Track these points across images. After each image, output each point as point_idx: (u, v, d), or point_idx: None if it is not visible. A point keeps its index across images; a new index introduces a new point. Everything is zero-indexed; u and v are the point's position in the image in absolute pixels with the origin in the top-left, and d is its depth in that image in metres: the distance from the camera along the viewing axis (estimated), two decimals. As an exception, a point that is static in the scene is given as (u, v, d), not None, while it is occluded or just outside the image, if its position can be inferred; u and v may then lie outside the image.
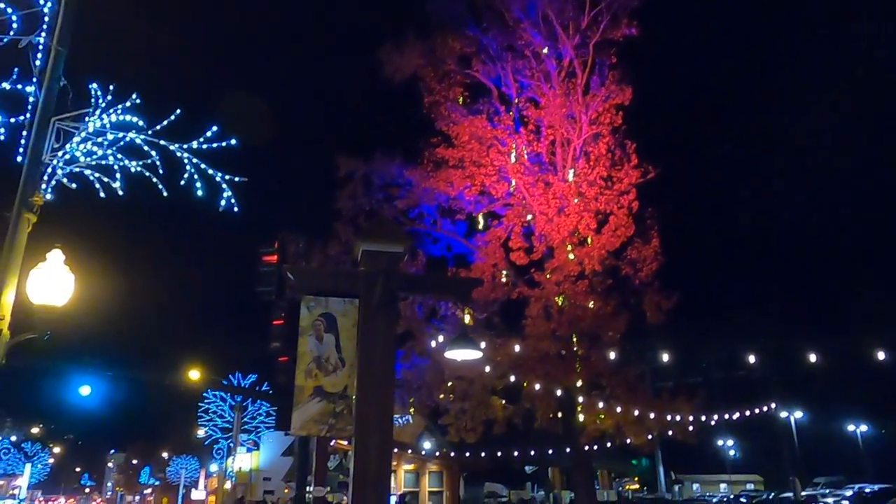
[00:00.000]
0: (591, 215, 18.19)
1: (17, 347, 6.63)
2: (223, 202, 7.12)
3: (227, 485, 49.81)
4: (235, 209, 7.15)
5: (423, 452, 31.13)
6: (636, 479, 57.54)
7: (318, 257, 19.31)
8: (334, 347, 7.44)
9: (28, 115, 6.64)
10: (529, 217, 18.98)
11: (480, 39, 19.99)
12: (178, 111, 7.01)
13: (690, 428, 19.99)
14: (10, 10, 6.78)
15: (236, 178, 7.11)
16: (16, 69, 6.76)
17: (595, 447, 20.42)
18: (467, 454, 28.75)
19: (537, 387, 18.22)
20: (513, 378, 18.44)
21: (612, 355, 18.06)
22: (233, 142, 7.01)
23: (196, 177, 7.01)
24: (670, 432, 20.33)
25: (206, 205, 7.15)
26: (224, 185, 7.10)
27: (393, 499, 27.51)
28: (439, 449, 30.77)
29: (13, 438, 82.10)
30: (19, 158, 6.58)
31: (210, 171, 7.04)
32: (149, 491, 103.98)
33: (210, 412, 53.62)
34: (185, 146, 6.99)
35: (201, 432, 54.89)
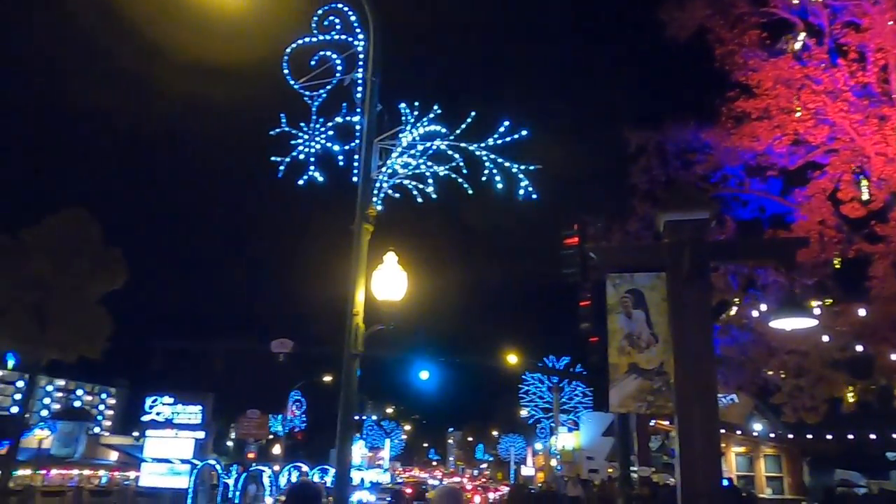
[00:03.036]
0: (947, 147, 14.79)
1: (371, 338, 7.85)
2: (521, 192, 7.49)
3: (553, 462, 52.14)
4: (534, 196, 7.47)
5: (755, 434, 28.70)
6: None
7: (618, 235, 19.06)
8: (645, 323, 7.30)
9: (357, 141, 7.85)
10: (861, 161, 16.16)
11: (775, -32, 17.64)
12: (473, 114, 7.59)
13: None
14: (334, 56, 8.08)
15: (531, 167, 7.43)
16: (344, 104, 8.05)
17: None
18: (809, 437, 25.65)
19: (893, 357, 15.46)
20: (859, 348, 15.92)
21: None
22: (524, 133, 7.36)
23: (495, 171, 7.51)
24: None
25: (508, 197, 7.61)
26: (521, 176, 7.47)
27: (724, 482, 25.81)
28: (773, 431, 28.04)
29: (374, 417, 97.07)
30: (355, 178, 7.80)
31: (507, 164, 7.48)
32: (484, 466, 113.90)
33: (530, 393, 56.68)
34: (482, 145, 7.54)
35: (524, 412, 58.33)
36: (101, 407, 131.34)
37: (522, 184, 7.49)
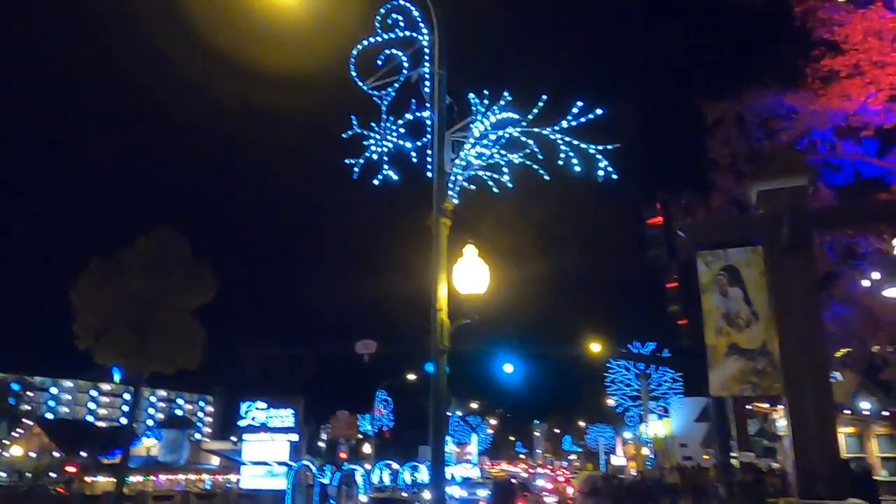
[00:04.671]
0: None
1: (455, 333, 7.80)
2: (600, 173, 7.25)
3: (644, 450, 50.87)
4: (613, 177, 7.22)
5: (864, 413, 27.03)
6: None
7: (700, 212, 18.31)
8: (743, 301, 6.93)
9: (429, 136, 7.80)
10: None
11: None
12: (544, 97, 7.39)
13: None
14: (399, 53, 8.07)
15: (609, 147, 7.18)
16: (413, 101, 8.02)
17: None
18: (926, 413, 23.94)
19: None
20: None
21: None
22: (598, 112, 7.11)
23: (571, 154, 7.29)
24: None
25: (586, 179, 7.38)
26: (598, 157, 7.23)
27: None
28: (885, 409, 26.33)
29: (459, 413, 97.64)
30: (429, 174, 7.76)
31: (583, 146, 7.25)
32: (573, 457, 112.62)
33: (616, 381, 55.52)
34: (556, 128, 7.34)
35: (611, 401, 57.20)
36: (200, 414, 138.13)
37: (601, 165, 7.25)
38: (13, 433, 71.97)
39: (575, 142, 7.29)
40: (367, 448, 57.80)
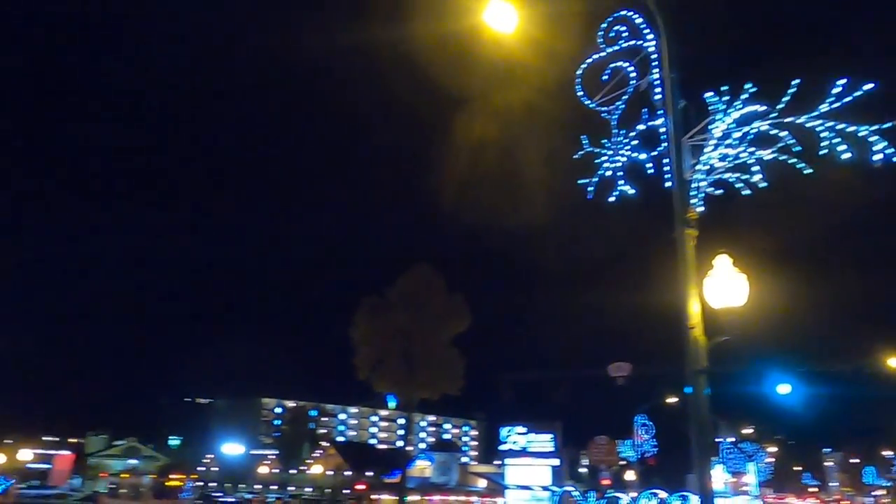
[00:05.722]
0: None
1: (715, 351, 7.19)
2: (877, 157, 6.20)
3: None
4: (895, 159, 6.13)
5: None
6: None
7: None
8: None
9: (665, 144, 7.42)
10: None
11: None
12: (796, 82, 6.59)
13: None
14: (625, 65, 7.85)
15: (886, 125, 6.12)
16: (643, 110, 7.71)
17: None
18: None
19: None
20: None
21: None
22: (869, 86, 6.12)
23: (836, 140, 6.37)
24: None
25: (857, 167, 6.38)
26: (873, 138, 6.20)
27: None
28: None
29: (730, 439, 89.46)
30: (668, 184, 7.35)
31: (851, 129, 6.28)
32: (881, 492, 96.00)
33: (930, 403, 46.41)
34: (814, 114, 6.48)
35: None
36: (466, 438, 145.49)
37: (876, 147, 6.20)
38: (314, 454, 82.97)
39: (840, 125, 6.35)
40: (629, 475, 55.65)
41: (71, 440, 71.66)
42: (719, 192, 7.27)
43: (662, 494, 36.06)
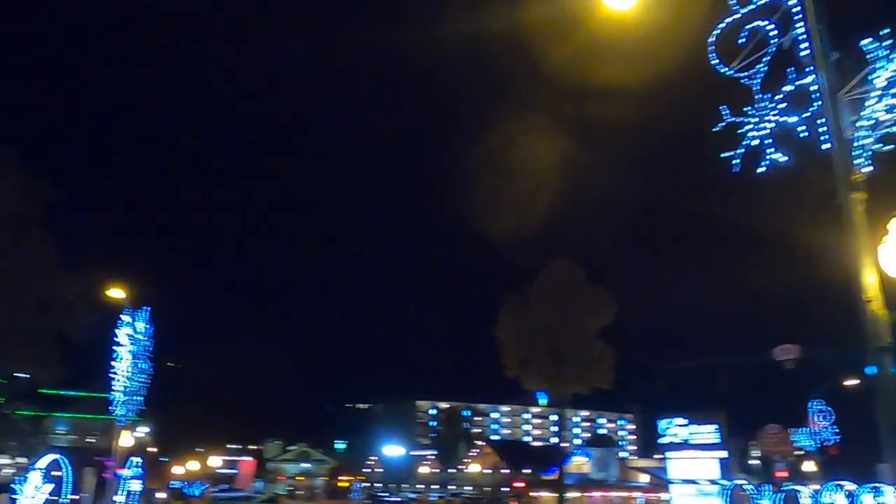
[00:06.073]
0: None
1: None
2: None
3: None
4: None
5: None
6: None
7: None
8: None
9: (818, 103, 6.78)
10: None
11: None
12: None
13: None
14: (764, 24, 7.26)
15: None
16: (789, 69, 7.10)
17: None
18: None
19: None
20: None
21: None
22: None
23: None
24: None
25: None
26: None
27: None
28: None
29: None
30: (826, 146, 6.71)
31: None
32: None
33: None
34: None
35: None
36: (622, 433, 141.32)
37: None
38: (470, 453, 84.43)
39: None
40: (808, 466, 51.22)
41: (251, 447, 78.27)
42: (889, 147, 6.53)
43: (850, 487, 32.83)
